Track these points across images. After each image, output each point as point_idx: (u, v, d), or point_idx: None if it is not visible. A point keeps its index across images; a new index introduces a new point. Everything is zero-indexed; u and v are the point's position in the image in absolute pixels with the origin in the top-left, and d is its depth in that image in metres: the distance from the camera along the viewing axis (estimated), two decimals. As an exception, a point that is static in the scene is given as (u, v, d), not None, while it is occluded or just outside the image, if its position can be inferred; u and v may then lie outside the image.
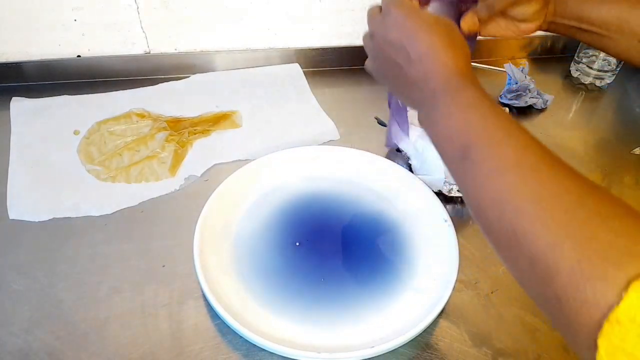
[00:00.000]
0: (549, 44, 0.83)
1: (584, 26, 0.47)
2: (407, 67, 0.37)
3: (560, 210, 0.27)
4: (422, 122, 0.37)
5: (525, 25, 0.48)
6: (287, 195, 0.54)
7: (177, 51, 0.72)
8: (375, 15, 0.40)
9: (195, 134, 0.62)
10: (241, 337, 0.42)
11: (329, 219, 0.52)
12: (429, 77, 0.36)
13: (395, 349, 0.42)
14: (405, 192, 0.54)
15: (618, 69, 0.75)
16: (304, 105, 0.69)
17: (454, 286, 0.44)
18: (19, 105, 0.64)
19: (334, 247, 0.49)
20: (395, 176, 0.56)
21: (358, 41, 0.76)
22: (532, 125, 0.69)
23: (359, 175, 0.57)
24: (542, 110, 0.71)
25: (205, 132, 0.63)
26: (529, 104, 0.70)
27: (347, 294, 0.46)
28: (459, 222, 0.53)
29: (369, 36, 0.41)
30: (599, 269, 0.24)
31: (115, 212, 0.52)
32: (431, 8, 0.45)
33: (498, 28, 0.48)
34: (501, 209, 0.29)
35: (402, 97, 0.41)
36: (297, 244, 0.49)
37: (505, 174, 0.30)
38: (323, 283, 0.46)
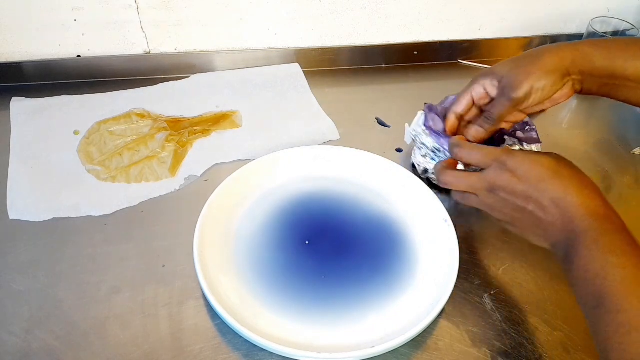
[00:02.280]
0: (548, 44, 0.83)
1: (618, 82, 0.45)
2: (540, 213, 0.38)
3: None
4: (561, 262, 0.38)
5: (550, 101, 0.47)
6: (287, 195, 0.54)
7: (177, 51, 0.72)
8: (481, 178, 0.42)
9: (195, 134, 0.62)
10: (241, 337, 0.42)
11: (328, 219, 0.52)
12: (567, 221, 0.37)
13: (395, 349, 0.42)
14: (405, 192, 0.54)
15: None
16: (304, 105, 0.69)
17: (454, 286, 0.44)
18: (19, 105, 0.64)
19: (333, 247, 0.49)
20: (395, 176, 0.56)
21: (358, 41, 0.78)
22: (532, 125, 0.69)
23: (358, 175, 0.57)
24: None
25: (205, 132, 0.63)
26: (529, 104, 0.70)
27: (347, 294, 0.45)
28: (459, 222, 0.53)
29: (486, 191, 0.42)
30: None
31: (115, 212, 0.52)
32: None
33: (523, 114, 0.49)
34: None
35: (537, 239, 0.41)
36: (307, 242, 0.50)
37: (635, 333, 0.30)
38: (323, 283, 0.46)
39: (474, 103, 0.49)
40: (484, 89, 0.48)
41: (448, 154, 0.48)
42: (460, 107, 0.49)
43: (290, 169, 0.56)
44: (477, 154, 0.43)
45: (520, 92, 0.44)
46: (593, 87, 0.46)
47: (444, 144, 0.51)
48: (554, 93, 0.45)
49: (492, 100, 0.48)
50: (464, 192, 0.44)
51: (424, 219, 0.52)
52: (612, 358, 0.31)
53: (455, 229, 0.49)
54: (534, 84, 0.44)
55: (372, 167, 0.57)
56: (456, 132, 0.51)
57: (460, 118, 0.50)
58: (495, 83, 0.47)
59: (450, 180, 0.44)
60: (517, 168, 0.39)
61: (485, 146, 0.43)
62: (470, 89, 0.49)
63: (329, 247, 0.49)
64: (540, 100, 0.45)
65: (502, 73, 0.46)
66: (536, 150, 0.52)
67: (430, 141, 0.53)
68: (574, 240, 0.36)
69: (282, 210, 0.53)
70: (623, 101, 0.47)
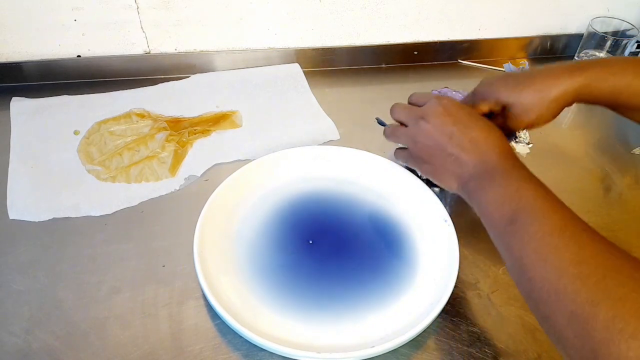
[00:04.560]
0: (548, 45, 0.83)
1: (621, 109, 0.47)
2: (458, 150, 0.43)
3: (599, 272, 0.30)
4: (468, 197, 0.43)
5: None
6: (287, 195, 0.54)
7: (177, 51, 0.72)
8: (417, 108, 0.48)
9: (195, 134, 0.62)
10: (241, 337, 0.42)
11: (328, 220, 0.52)
12: (483, 157, 0.42)
13: (395, 349, 0.42)
14: (405, 192, 0.54)
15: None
16: (304, 105, 0.69)
17: (454, 286, 0.44)
18: (19, 105, 0.64)
19: (333, 247, 0.49)
20: (395, 176, 0.56)
21: (358, 41, 0.77)
22: (532, 125, 0.69)
23: (358, 175, 0.57)
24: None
25: (205, 132, 0.63)
26: (529, 104, 0.70)
27: (347, 294, 0.45)
28: (459, 222, 0.53)
29: (416, 120, 0.47)
30: (633, 327, 0.27)
31: (115, 212, 0.52)
32: None
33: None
34: (544, 267, 0.32)
35: (443, 177, 0.46)
36: (310, 241, 0.50)
37: (550, 237, 0.33)
38: (323, 282, 0.46)
39: None
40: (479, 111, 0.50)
41: None
42: None
43: (290, 169, 0.56)
44: (417, 95, 0.50)
45: (523, 127, 0.48)
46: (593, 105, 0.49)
47: None
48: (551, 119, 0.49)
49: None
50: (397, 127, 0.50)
51: (424, 219, 0.52)
52: (527, 264, 0.33)
53: (455, 229, 0.49)
54: (539, 120, 0.47)
55: (372, 167, 0.57)
56: None
57: None
58: (498, 104, 0.48)
59: (396, 110, 0.50)
60: (450, 107, 0.45)
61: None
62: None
63: (329, 247, 0.49)
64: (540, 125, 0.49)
65: (509, 102, 0.47)
66: (524, 136, 0.55)
67: None
68: (489, 173, 0.41)
69: (282, 210, 0.53)
70: (626, 117, 0.49)
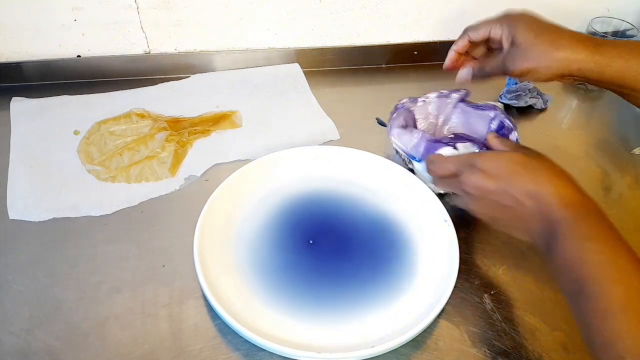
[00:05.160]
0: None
1: (627, 91, 0.46)
2: (517, 207, 0.39)
3: None
4: (544, 253, 0.38)
5: None
6: (287, 195, 0.54)
7: (177, 51, 0.72)
8: (468, 157, 0.43)
9: (195, 134, 0.62)
10: (241, 337, 0.42)
11: (328, 220, 0.52)
12: (544, 211, 0.37)
13: (395, 349, 0.42)
14: (405, 192, 0.54)
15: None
16: (304, 105, 0.69)
17: (454, 286, 0.44)
18: (19, 105, 0.64)
19: (333, 247, 0.49)
20: (395, 176, 0.56)
21: (358, 41, 0.77)
22: (532, 125, 0.69)
23: (358, 176, 0.57)
24: (542, 110, 0.71)
25: (205, 132, 0.63)
26: (528, 104, 0.70)
27: (347, 294, 0.45)
28: (459, 222, 0.53)
29: (465, 194, 0.43)
30: None
31: (115, 212, 0.52)
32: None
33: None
34: (608, 352, 0.31)
35: (520, 233, 0.41)
36: (311, 241, 0.49)
37: (613, 318, 0.31)
38: (323, 283, 0.46)
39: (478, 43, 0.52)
40: (490, 38, 0.49)
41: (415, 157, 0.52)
42: (459, 47, 0.52)
43: (290, 169, 0.56)
44: (449, 164, 0.44)
45: (518, 72, 0.46)
46: (596, 87, 0.47)
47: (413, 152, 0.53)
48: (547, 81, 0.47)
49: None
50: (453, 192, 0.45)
51: (424, 219, 0.52)
52: (595, 343, 0.32)
53: (456, 229, 0.49)
54: (534, 73, 0.45)
55: (372, 167, 0.57)
56: (455, 66, 0.54)
57: (469, 49, 0.53)
58: (507, 40, 0.47)
59: (441, 165, 0.45)
60: (488, 167, 0.40)
61: (456, 155, 0.45)
62: (477, 34, 0.50)
63: (329, 247, 0.49)
64: (531, 80, 0.48)
65: (518, 39, 0.46)
66: (514, 139, 0.53)
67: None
68: (553, 229, 0.36)
69: (282, 210, 0.53)
70: (629, 101, 0.47)
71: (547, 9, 0.80)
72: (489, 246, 0.51)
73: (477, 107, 0.57)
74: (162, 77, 0.72)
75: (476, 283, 0.48)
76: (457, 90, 0.58)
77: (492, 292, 0.47)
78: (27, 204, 0.52)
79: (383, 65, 0.79)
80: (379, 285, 0.46)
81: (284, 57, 0.75)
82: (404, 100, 0.58)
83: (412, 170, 0.57)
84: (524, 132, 0.67)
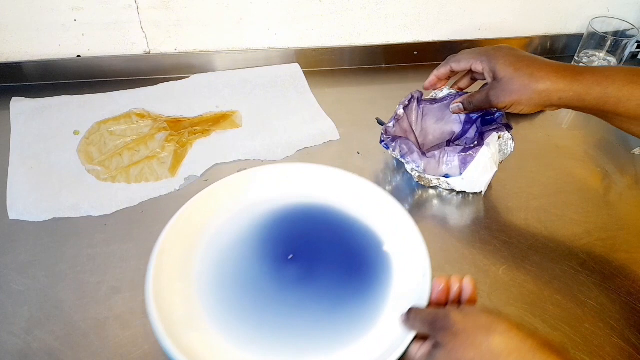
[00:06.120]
0: (548, 45, 0.83)
1: (609, 115, 0.47)
2: None
3: None
4: None
5: None
6: (252, 218, 0.50)
7: (177, 51, 0.72)
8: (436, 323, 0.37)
9: (195, 134, 0.62)
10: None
11: (298, 242, 0.48)
12: None
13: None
14: (376, 209, 0.50)
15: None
16: (304, 105, 0.69)
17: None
18: (19, 105, 0.64)
19: (301, 274, 0.45)
20: (367, 195, 0.50)
21: (358, 41, 0.77)
22: (532, 125, 0.69)
23: (333, 196, 0.52)
24: (542, 110, 0.71)
25: (205, 132, 0.63)
26: (529, 104, 0.70)
27: (313, 327, 0.42)
28: (459, 223, 0.54)
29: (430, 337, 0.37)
30: None
31: (115, 212, 0.52)
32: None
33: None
34: None
35: None
36: (290, 256, 0.46)
37: None
38: (291, 311, 0.43)
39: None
40: (472, 70, 0.52)
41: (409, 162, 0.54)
42: (441, 73, 0.55)
43: (255, 189, 0.51)
44: (419, 325, 0.39)
45: (502, 105, 0.49)
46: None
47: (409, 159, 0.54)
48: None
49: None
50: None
51: (398, 242, 0.47)
52: None
53: (456, 231, 0.49)
54: (518, 106, 0.48)
55: (342, 185, 0.51)
56: (435, 88, 0.58)
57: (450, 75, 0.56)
58: (489, 74, 0.49)
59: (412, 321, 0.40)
60: (467, 331, 0.35)
61: (429, 311, 0.39)
62: (459, 65, 0.53)
63: (296, 274, 0.45)
64: (515, 112, 0.49)
65: (499, 74, 0.48)
66: (508, 138, 0.55)
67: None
68: None
69: (249, 234, 0.48)
70: (612, 125, 0.49)
71: (548, 9, 0.81)
72: (489, 246, 0.51)
73: (435, 101, 0.58)
74: (162, 77, 0.72)
75: (476, 283, 0.48)
76: (411, 96, 0.58)
77: (492, 293, 0.47)
78: (27, 204, 0.52)
79: (383, 65, 0.79)
80: (345, 318, 0.42)
81: (284, 57, 0.75)
82: (386, 135, 0.55)
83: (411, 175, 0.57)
84: (524, 132, 0.67)
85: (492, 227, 0.53)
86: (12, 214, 0.51)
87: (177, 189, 0.55)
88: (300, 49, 0.75)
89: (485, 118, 0.56)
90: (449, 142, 0.58)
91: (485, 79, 0.51)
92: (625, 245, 0.52)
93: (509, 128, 0.55)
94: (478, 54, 0.51)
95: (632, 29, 0.77)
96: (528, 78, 0.46)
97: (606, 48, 0.76)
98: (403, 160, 0.55)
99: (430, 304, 0.40)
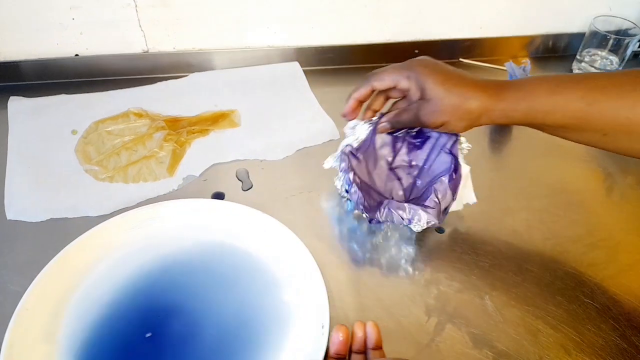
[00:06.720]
0: (550, 43, 0.83)
1: (537, 127, 0.46)
2: None
3: None
4: None
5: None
6: (136, 265, 0.44)
7: (175, 50, 0.72)
8: None
9: (193, 133, 0.62)
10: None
11: (184, 294, 0.42)
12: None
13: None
14: (284, 254, 0.45)
15: (619, 69, 0.75)
16: (303, 105, 0.69)
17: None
18: (16, 105, 0.64)
19: (188, 330, 0.40)
20: (273, 236, 0.46)
21: (358, 40, 0.77)
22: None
23: (235, 235, 0.47)
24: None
25: (203, 132, 0.62)
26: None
27: None
28: (460, 221, 0.53)
29: None
30: None
31: (113, 212, 0.52)
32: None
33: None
34: None
35: None
36: (149, 334, 0.40)
37: None
38: None
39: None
40: (398, 88, 0.48)
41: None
42: (362, 95, 0.50)
43: (143, 231, 0.46)
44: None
45: (433, 125, 0.46)
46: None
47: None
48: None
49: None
50: None
51: (301, 301, 0.43)
52: None
53: (454, 233, 0.48)
54: (449, 125, 0.46)
55: (255, 227, 0.47)
56: (354, 116, 0.51)
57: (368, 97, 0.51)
58: (416, 93, 0.46)
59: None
60: None
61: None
62: (382, 83, 0.49)
63: (179, 332, 0.40)
64: (446, 131, 0.48)
65: (429, 94, 0.45)
66: (465, 145, 0.50)
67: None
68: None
69: (124, 289, 0.43)
70: (550, 134, 0.47)
71: (549, 7, 0.80)
72: (490, 247, 0.51)
73: (364, 145, 0.52)
74: (161, 76, 0.71)
75: (476, 284, 0.47)
76: (342, 153, 0.51)
77: (492, 293, 0.47)
78: (25, 204, 0.52)
79: (384, 64, 0.78)
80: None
81: (283, 56, 0.75)
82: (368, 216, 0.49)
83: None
84: (524, 132, 0.66)
85: (492, 228, 0.53)
86: (10, 214, 0.51)
87: (176, 189, 0.55)
88: (300, 48, 0.75)
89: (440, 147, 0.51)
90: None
91: (404, 97, 0.49)
92: (627, 245, 0.52)
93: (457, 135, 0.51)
94: (402, 70, 0.47)
95: (634, 27, 0.76)
96: (458, 98, 0.44)
97: (608, 47, 0.76)
98: (410, 226, 0.49)
99: (328, 357, 0.38)
